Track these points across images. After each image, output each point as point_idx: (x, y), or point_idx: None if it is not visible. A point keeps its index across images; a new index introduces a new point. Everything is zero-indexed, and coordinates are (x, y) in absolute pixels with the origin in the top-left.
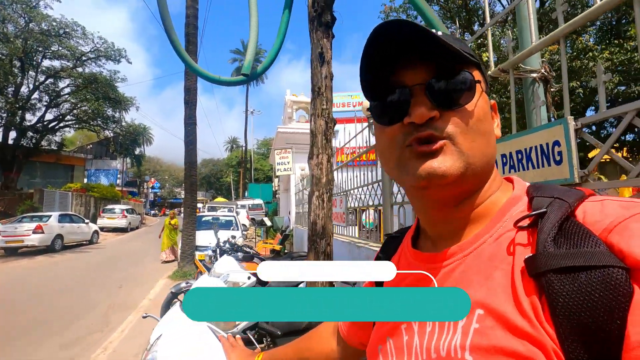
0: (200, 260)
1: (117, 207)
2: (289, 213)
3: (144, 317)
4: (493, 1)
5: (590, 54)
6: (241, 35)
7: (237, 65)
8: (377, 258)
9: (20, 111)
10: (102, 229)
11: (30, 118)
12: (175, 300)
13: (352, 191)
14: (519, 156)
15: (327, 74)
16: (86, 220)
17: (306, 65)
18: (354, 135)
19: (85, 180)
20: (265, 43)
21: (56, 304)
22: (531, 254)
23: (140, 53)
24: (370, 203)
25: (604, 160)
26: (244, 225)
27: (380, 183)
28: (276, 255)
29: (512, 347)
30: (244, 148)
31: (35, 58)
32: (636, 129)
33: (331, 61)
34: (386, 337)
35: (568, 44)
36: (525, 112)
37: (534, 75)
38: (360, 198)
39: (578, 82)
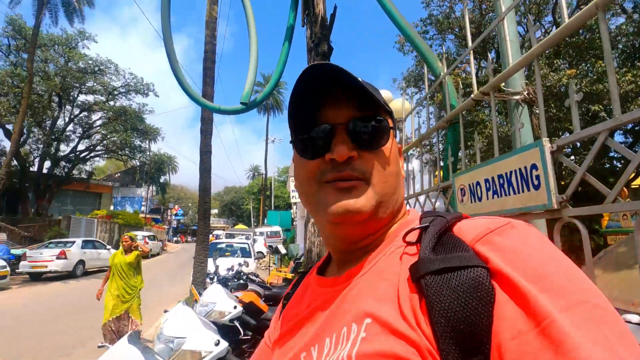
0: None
1: (140, 234)
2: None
3: (99, 347)
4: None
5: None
6: (261, 68)
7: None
8: (287, 295)
9: (55, 142)
10: None
11: (64, 149)
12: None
13: None
14: (501, 181)
15: None
16: (108, 247)
17: None
18: None
19: (112, 208)
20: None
21: (60, 329)
22: (414, 262)
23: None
24: None
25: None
26: (260, 252)
27: None
28: (288, 283)
29: (392, 350)
30: (264, 175)
31: (72, 94)
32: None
33: None
34: None
35: (591, 69)
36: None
37: (517, 97)
38: None
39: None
